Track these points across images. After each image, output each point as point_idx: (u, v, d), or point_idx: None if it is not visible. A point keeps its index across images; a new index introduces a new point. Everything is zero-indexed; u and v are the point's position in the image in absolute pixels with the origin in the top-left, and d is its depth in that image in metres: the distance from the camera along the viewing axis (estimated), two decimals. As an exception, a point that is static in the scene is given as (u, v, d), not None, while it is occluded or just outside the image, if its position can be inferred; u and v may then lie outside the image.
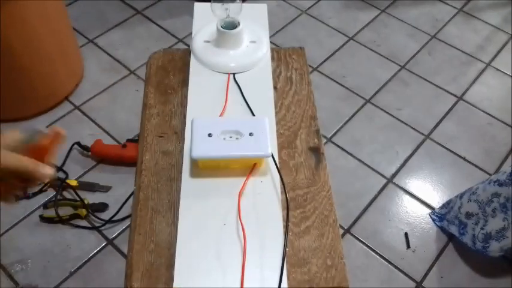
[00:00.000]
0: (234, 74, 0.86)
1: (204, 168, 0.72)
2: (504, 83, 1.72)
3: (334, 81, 1.67)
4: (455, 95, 1.66)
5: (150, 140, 0.78)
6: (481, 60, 1.78)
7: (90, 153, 1.37)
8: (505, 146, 1.53)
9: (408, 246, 1.29)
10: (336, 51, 1.77)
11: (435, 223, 1.33)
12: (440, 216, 1.32)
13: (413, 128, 1.56)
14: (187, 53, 0.90)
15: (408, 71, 1.72)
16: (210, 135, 0.71)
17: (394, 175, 1.44)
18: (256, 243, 0.64)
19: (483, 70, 1.75)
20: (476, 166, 1.48)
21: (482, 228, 1.16)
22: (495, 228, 1.13)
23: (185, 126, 0.78)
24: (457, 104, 1.64)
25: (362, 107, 1.61)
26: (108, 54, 1.68)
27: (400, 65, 1.74)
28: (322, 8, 1.91)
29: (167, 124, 0.80)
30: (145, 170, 0.74)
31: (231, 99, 0.82)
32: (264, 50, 0.89)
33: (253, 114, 0.80)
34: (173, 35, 1.76)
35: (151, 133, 0.79)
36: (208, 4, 0.94)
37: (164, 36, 1.75)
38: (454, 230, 1.26)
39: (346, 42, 1.80)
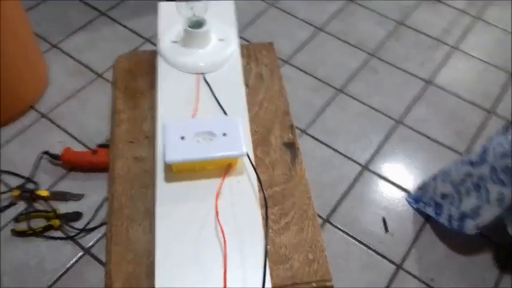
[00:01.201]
0: (203, 73, 0.85)
1: (178, 172, 0.71)
2: (471, 65, 1.75)
3: (306, 73, 1.67)
4: (424, 80, 1.69)
5: (121, 146, 0.76)
6: (447, 44, 1.81)
7: (60, 161, 1.33)
8: (475, 126, 1.57)
9: (386, 230, 1.30)
10: (306, 43, 1.77)
11: (411, 206, 1.35)
12: (416, 198, 1.34)
13: (385, 115, 1.57)
14: (154, 54, 0.89)
15: (377, 59, 1.74)
16: (182, 138, 0.70)
17: (369, 162, 1.45)
18: (236, 244, 0.64)
19: (450, 54, 1.78)
20: (448, 147, 1.51)
21: (457, 208, 1.19)
22: (470, 207, 1.15)
23: (156, 130, 0.77)
24: (426, 88, 1.67)
25: (334, 97, 1.61)
26: (74, 58, 1.63)
27: (369, 53, 1.75)
28: (290, 0, 1.90)
29: (138, 129, 0.79)
30: (118, 178, 0.72)
31: (203, 100, 0.80)
32: (233, 48, 0.88)
33: (226, 114, 0.79)
34: (139, 35, 1.72)
35: (122, 139, 0.77)
36: (172, 3, 0.92)
37: (130, 37, 1.72)
38: (430, 211, 1.29)
39: (316, 33, 1.80)
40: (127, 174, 0.73)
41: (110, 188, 0.72)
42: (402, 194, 1.39)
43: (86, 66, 1.61)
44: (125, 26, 1.75)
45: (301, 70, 1.68)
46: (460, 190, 1.17)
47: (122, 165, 0.74)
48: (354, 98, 1.62)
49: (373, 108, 1.59)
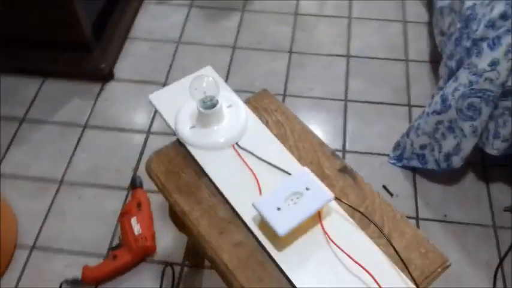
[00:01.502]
0: (237, 143, 0.90)
1: (284, 240, 0.77)
2: (369, 27, 1.98)
3: (245, 91, 1.76)
4: (343, 55, 1.87)
5: (214, 241, 0.79)
6: (344, 17, 2.01)
7: (83, 283, 1.27)
8: (403, 77, 1.79)
9: (391, 194, 1.47)
10: (230, 65, 1.84)
11: (397, 165, 1.53)
12: (398, 158, 1.52)
13: (333, 99, 1.73)
14: (178, 146, 0.91)
15: (297, 54, 1.88)
16: (278, 209, 0.76)
17: (344, 146, 1.60)
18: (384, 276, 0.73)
19: (349, 24, 1.98)
20: (394, 104, 1.71)
21: (440, 152, 1.39)
22: (451, 146, 1.35)
23: (237, 213, 0.81)
24: (349, 62, 1.85)
25: (283, 101, 1.73)
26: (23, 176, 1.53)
27: (288, 51, 1.88)
28: (191, 32, 1.95)
29: (217, 219, 0.82)
30: (235, 270, 0.76)
31: (254, 167, 0.86)
32: (243, 109, 0.94)
33: (284, 171, 0.85)
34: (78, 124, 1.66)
35: (210, 233, 0.80)
36: (162, 91, 0.96)
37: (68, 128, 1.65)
38: (415, 163, 1.48)
39: (233, 52, 1.88)
40: (239, 262, 0.76)
41: (233, 282, 0.75)
42: (384, 159, 1.56)
43: (44, 179, 1.52)
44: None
45: (241, 91, 1.76)
46: (436, 137, 1.37)
47: (230, 257, 0.77)
48: (299, 96, 1.75)
49: (320, 98, 1.74)
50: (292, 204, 0.77)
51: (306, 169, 0.81)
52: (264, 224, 0.79)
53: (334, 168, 0.89)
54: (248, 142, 0.90)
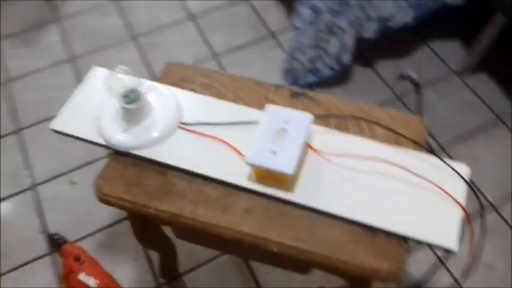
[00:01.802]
0: (182, 123, 0.80)
1: (290, 180, 0.72)
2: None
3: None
4: (188, 18, 1.80)
5: (227, 221, 0.71)
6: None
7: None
8: (252, 12, 1.79)
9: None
10: (79, 79, 1.64)
11: (297, 87, 1.52)
12: (292, 82, 1.52)
13: (202, 61, 1.66)
14: (118, 157, 0.78)
15: (143, 35, 1.75)
16: (273, 152, 0.70)
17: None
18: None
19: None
20: (260, 39, 1.71)
21: (330, 55, 1.43)
22: (337, 46, 1.40)
23: (229, 184, 0.73)
24: (197, 21, 1.79)
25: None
26: None
27: (132, 38, 1.75)
28: (14, 63, 1.68)
29: (212, 200, 0.73)
30: (261, 234, 0.69)
31: (217, 135, 0.78)
32: (165, 89, 0.84)
33: (248, 122, 0.79)
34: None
35: (218, 217, 0.71)
36: (61, 112, 0.81)
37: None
38: (312, 78, 1.50)
39: (75, 64, 1.68)
40: (260, 225, 0.70)
41: (268, 245, 0.68)
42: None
43: None
44: None
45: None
46: (321, 45, 1.41)
47: (248, 225, 0.70)
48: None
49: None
50: (282, 142, 0.72)
51: (270, 106, 0.76)
52: (262, 178, 0.73)
53: (286, 97, 0.86)
54: (192, 116, 0.81)
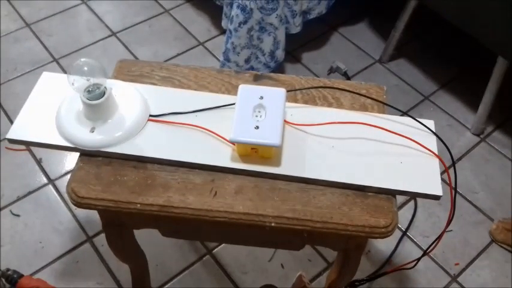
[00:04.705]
0: (150, 115, 0.76)
1: (275, 154, 0.72)
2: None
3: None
4: (110, 35, 1.74)
5: (220, 204, 0.68)
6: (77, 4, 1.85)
7: None
8: (176, 24, 1.78)
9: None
10: (16, 114, 1.51)
11: (229, 67, 1.50)
12: (225, 60, 1.50)
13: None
14: (89, 159, 0.72)
15: (64, 58, 1.66)
16: (256, 127, 0.69)
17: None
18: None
19: (89, 8, 1.84)
20: (190, 50, 1.70)
21: (264, 54, 1.45)
22: (270, 44, 1.43)
23: (214, 167, 0.71)
24: (120, 38, 1.74)
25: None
26: None
27: (53, 61, 1.64)
28: None
29: (199, 186, 0.70)
30: (255, 211, 0.67)
31: (193, 122, 0.76)
32: (125, 84, 0.80)
33: (223, 106, 0.77)
34: None
35: (210, 203, 0.69)
36: (18, 120, 0.75)
37: None
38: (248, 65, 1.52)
39: (-8, 94, 1.54)
40: (253, 203, 0.68)
41: (265, 220, 0.66)
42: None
43: None
44: None
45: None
46: (255, 44, 1.44)
47: (243, 205, 0.67)
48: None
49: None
50: (262, 117, 0.71)
51: (242, 85, 0.76)
52: (246, 157, 0.72)
53: (249, 81, 0.86)
54: (160, 108, 0.78)
